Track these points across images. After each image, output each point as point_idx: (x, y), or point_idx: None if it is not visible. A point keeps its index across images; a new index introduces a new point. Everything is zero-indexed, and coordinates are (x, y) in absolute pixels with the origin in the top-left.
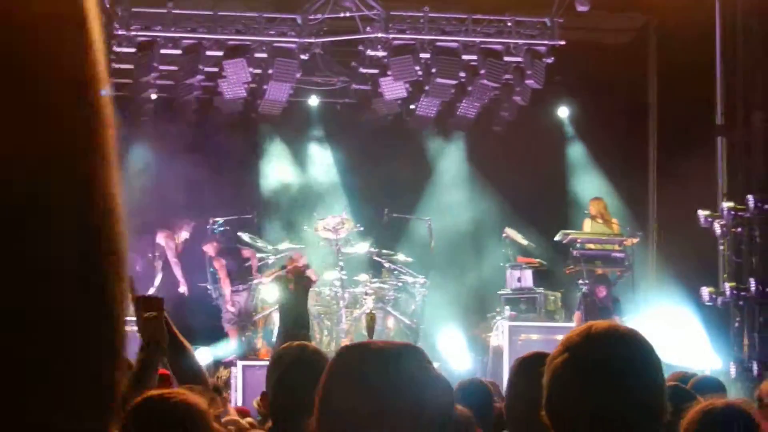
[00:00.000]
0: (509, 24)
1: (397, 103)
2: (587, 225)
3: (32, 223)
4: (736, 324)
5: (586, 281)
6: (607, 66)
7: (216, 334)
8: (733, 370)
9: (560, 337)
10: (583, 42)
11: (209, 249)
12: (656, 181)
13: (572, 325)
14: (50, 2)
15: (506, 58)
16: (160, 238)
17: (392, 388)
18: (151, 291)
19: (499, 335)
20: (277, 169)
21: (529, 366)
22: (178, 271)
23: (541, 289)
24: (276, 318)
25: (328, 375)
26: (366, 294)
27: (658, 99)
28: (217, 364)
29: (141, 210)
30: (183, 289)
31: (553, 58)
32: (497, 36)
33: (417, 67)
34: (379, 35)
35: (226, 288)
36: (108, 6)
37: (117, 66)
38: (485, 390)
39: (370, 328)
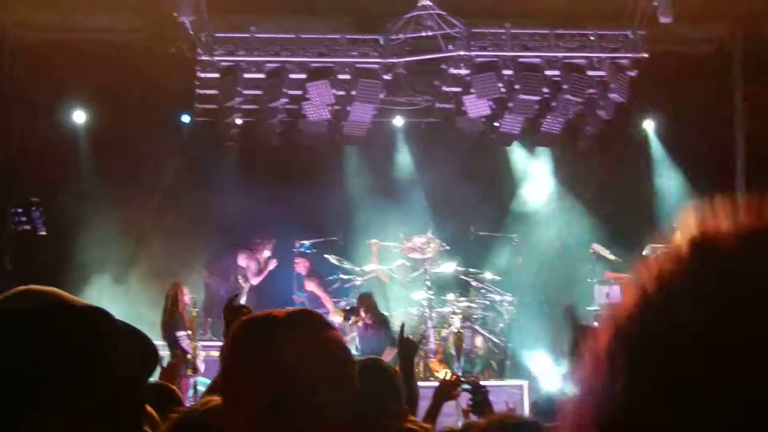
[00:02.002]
0: (591, 38)
1: (482, 120)
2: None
3: None
4: None
5: None
6: (692, 76)
7: None
8: None
9: None
10: (666, 53)
11: (300, 268)
12: (745, 193)
13: None
14: None
15: (589, 73)
16: (242, 260)
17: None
18: None
19: None
20: (362, 190)
21: None
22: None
23: None
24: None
25: None
26: (453, 313)
27: (744, 108)
28: None
29: (225, 232)
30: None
31: (636, 71)
32: (580, 50)
33: (500, 84)
34: (462, 53)
35: (328, 304)
36: (191, 32)
37: (201, 92)
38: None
39: (458, 348)
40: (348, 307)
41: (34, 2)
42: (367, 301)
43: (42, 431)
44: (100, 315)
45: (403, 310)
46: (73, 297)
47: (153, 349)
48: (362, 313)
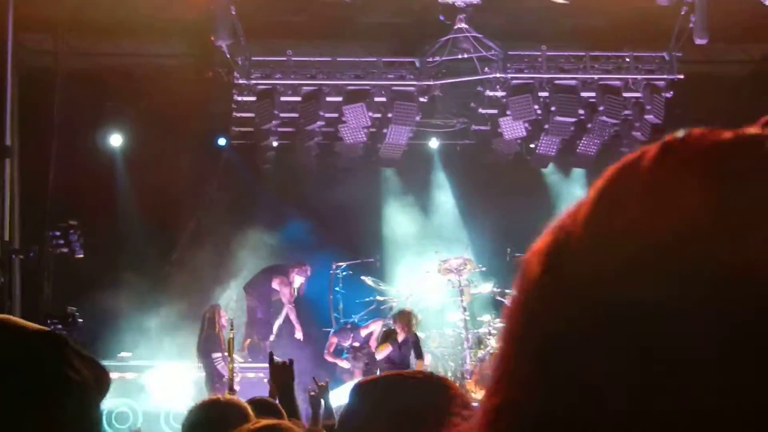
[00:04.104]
0: (627, 60)
1: (517, 142)
2: None
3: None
4: None
5: None
6: (728, 98)
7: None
8: None
9: None
10: (702, 75)
11: (346, 343)
12: None
13: None
14: None
15: (625, 94)
16: (275, 284)
17: None
18: (272, 337)
19: None
20: (398, 212)
21: None
22: (293, 317)
23: None
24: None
25: None
26: (490, 334)
27: None
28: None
29: (262, 255)
30: (299, 335)
31: (672, 92)
32: (615, 72)
33: (536, 106)
34: (498, 75)
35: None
36: (228, 56)
37: (238, 115)
38: None
39: None
40: (385, 329)
41: (87, 30)
42: (406, 319)
43: None
44: (53, 338)
45: (438, 330)
46: (27, 322)
47: (106, 372)
48: (399, 331)
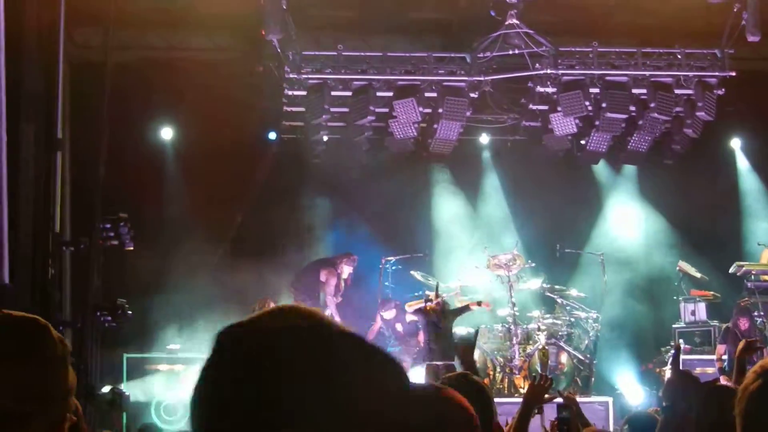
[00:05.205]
0: (679, 56)
1: (568, 138)
2: (765, 256)
3: None
4: None
5: (761, 313)
6: None
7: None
8: None
9: None
10: (754, 72)
11: (388, 315)
12: None
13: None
14: None
15: (677, 91)
16: (323, 276)
17: None
18: None
19: None
20: (448, 207)
21: (717, 394)
22: (333, 309)
23: (715, 322)
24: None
25: None
26: (539, 330)
27: None
28: None
29: (310, 248)
30: None
31: (724, 90)
32: (667, 69)
33: (587, 102)
34: (549, 71)
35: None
36: (279, 50)
37: (289, 109)
38: (652, 420)
39: (544, 364)
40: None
41: (137, 24)
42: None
43: None
44: (361, 340)
45: (487, 326)
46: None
47: (403, 375)
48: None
